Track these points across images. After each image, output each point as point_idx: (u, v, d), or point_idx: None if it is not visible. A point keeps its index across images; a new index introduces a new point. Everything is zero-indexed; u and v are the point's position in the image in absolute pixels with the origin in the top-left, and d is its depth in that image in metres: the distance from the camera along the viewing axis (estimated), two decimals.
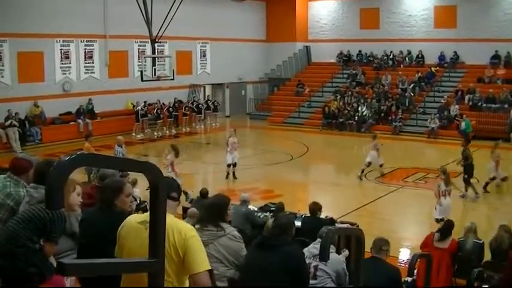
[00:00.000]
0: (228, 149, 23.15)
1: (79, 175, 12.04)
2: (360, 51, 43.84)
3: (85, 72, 33.47)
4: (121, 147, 20.34)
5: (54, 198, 2.41)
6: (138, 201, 14.32)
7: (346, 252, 8.18)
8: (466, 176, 19.93)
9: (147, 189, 3.09)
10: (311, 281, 6.98)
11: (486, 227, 15.64)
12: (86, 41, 33.27)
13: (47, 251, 4.43)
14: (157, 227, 2.95)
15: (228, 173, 23.29)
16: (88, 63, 33.62)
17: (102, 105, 33.37)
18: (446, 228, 11.25)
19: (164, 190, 2.93)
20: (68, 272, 2.58)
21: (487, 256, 11.09)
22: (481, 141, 30.55)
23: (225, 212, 6.46)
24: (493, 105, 34.31)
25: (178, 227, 4.39)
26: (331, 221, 12.54)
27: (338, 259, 7.43)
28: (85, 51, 33.38)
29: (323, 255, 5.22)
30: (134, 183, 14.95)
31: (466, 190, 19.69)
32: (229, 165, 23.21)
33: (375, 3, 42.94)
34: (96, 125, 32.05)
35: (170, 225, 4.00)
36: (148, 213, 3.12)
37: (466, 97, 35.49)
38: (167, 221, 3.05)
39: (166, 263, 3.39)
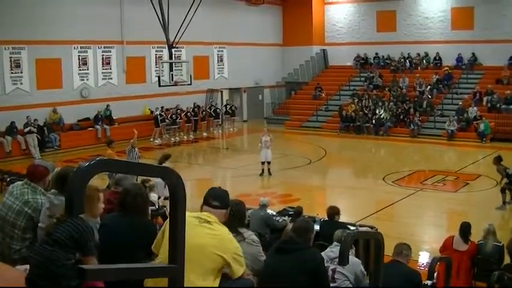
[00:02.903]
0: (262, 147, 23.55)
1: (96, 181, 12.10)
2: (377, 54, 43.74)
3: (103, 78, 33.63)
4: (134, 149, 20.35)
5: (74, 205, 2.43)
6: (156, 207, 14.36)
7: None
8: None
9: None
10: (331, 284, 7.00)
11: (506, 229, 15.56)
12: (104, 47, 33.45)
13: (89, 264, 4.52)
14: (176, 233, 2.96)
15: (263, 170, 23.82)
16: (106, 69, 33.78)
17: (120, 111, 33.49)
18: (465, 230, 11.19)
19: (183, 195, 2.95)
20: (90, 277, 2.60)
21: (507, 259, 11.03)
22: (500, 143, 30.50)
23: (243, 218, 6.50)
24: (511, 107, 34.08)
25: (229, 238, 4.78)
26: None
27: (355, 261, 7.44)
28: (103, 58, 33.55)
29: (342, 260, 5.22)
30: (151, 188, 15.00)
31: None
32: (263, 163, 23.76)
33: (392, 6, 42.83)
34: (114, 130, 32.14)
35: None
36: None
37: (484, 99, 35.29)
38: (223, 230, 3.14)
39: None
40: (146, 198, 6.23)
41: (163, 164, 17.82)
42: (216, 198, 4.95)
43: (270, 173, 23.86)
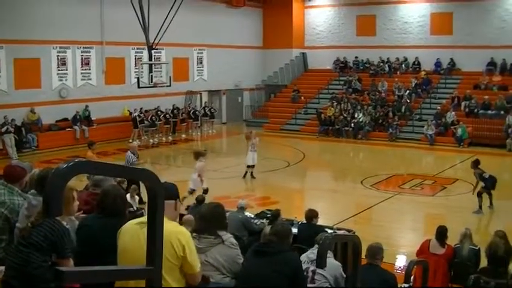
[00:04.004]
0: (250, 150, 23.53)
1: (74, 182, 12.05)
2: (356, 57, 43.88)
3: (82, 79, 33.46)
4: (134, 154, 20.23)
5: (52, 207, 2.43)
6: (134, 209, 14.35)
7: None
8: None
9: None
10: (309, 285, 7.03)
11: (482, 233, 15.68)
12: (83, 48, 33.27)
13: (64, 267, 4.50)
14: (155, 235, 2.97)
15: (246, 173, 23.80)
16: (85, 69, 33.60)
17: (99, 112, 33.37)
18: (442, 234, 11.26)
19: (162, 198, 2.96)
20: (67, 279, 2.59)
21: (484, 262, 11.12)
22: (477, 148, 30.73)
23: (223, 220, 6.48)
24: (489, 112, 34.36)
25: (176, 231, 4.65)
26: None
27: (335, 264, 7.48)
28: (82, 58, 33.37)
29: (320, 262, 5.24)
30: (134, 190, 15.02)
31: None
32: (248, 166, 23.73)
33: (372, 11, 43.04)
34: (92, 131, 32.07)
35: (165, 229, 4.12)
36: (146, 216, 3.17)
37: (462, 104, 35.55)
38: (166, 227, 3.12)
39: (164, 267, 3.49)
40: (125, 200, 6.21)
41: (199, 160, 18.89)
42: None
43: (253, 176, 23.82)
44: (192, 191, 18.76)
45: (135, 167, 19.40)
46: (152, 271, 2.97)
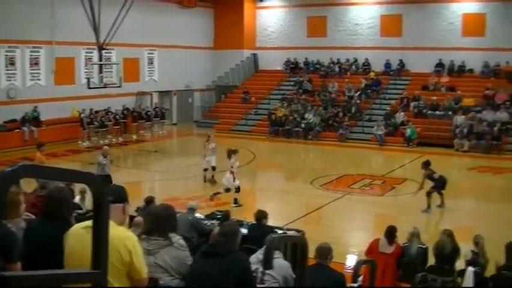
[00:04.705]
0: (209, 154, 23.24)
1: (23, 184, 11.90)
2: (307, 58, 44.07)
3: (31, 79, 32.99)
4: (106, 158, 20.01)
5: None
6: (83, 211, 14.21)
7: None
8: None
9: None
10: (259, 286, 7.05)
11: (431, 231, 15.90)
12: (32, 47, 32.83)
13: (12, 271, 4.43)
14: (100, 239, 2.96)
15: (205, 177, 23.36)
16: (34, 69, 33.13)
17: (48, 113, 32.88)
18: (390, 233, 11.40)
19: (107, 202, 2.95)
20: (12, 284, 2.57)
21: (432, 261, 11.30)
22: (426, 148, 31.15)
23: (173, 222, 6.46)
24: (437, 112, 34.89)
25: (123, 236, 4.60)
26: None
27: (284, 264, 7.49)
28: (31, 58, 32.93)
29: (266, 264, 5.27)
30: (84, 192, 14.88)
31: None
32: (205, 170, 23.30)
33: (323, 12, 43.31)
34: (42, 132, 31.60)
35: (112, 234, 4.10)
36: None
37: (411, 104, 35.99)
38: (111, 231, 3.10)
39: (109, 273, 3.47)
40: (70, 202, 6.13)
41: (231, 157, 19.68)
42: (109, 193, 4.86)
43: (214, 180, 23.31)
44: (227, 190, 19.71)
45: (106, 169, 19.60)
46: (99, 274, 2.96)
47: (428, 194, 19.08)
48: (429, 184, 19.23)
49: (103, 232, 2.95)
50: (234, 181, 19.68)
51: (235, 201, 19.64)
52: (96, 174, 19.24)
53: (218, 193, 20.06)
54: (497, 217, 18.92)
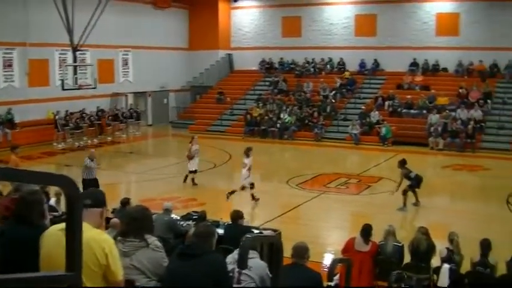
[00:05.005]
0: (194, 156, 22.98)
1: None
2: (282, 58, 44.15)
3: (4, 81, 32.67)
4: (92, 161, 19.91)
5: None
6: (59, 213, 14.11)
7: None
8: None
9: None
10: (235, 286, 7.03)
11: (407, 229, 15.97)
12: (5, 49, 32.52)
13: None
14: (73, 241, 2.92)
15: (186, 177, 23.07)
16: (7, 71, 32.81)
17: (22, 115, 32.61)
18: (366, 231, 11.42)
19: (80, 204, 2.91)
20: None
21: (408, 258, 11.34)
22: (401, 146, 31.29)
23: (150, 223, 6.44)
24: (411, 111, 35.12)
25: (99, 238, 4.57)
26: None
27: (261, 264, 7.48)
28: (4, 59, 32.60)
29: (241, 264, 5.26)
30: (59, 194, 14.75)
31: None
32: (191, 172, 23.00)
33: (297, 12, 43.39)
34: (16, 135, 31.31)
35: (88, 237, 4.07)
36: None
37: (386, 103, 36.17)
38: (87, 234, 3.08)
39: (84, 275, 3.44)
40: (42, 205, 6.06)
41: (248, 156, 20.07)
42: (88, 197, 4.86)
43: (194, 183, 23.01)
44: (243, 188, 19.94)
45: (92, 172, 19.68)
46: (73, 277, 2.93)
47: (404, 193, 19.18)
48: (405, 183, 19.33)
49: (76, 234, 2.91)
50: (246, 178, 19.90)
51: (253, 196, 19.93)
52: (83, 177, 19.39)
53: (234, 191, 20.08)
54: (471, 214, 19.09)
